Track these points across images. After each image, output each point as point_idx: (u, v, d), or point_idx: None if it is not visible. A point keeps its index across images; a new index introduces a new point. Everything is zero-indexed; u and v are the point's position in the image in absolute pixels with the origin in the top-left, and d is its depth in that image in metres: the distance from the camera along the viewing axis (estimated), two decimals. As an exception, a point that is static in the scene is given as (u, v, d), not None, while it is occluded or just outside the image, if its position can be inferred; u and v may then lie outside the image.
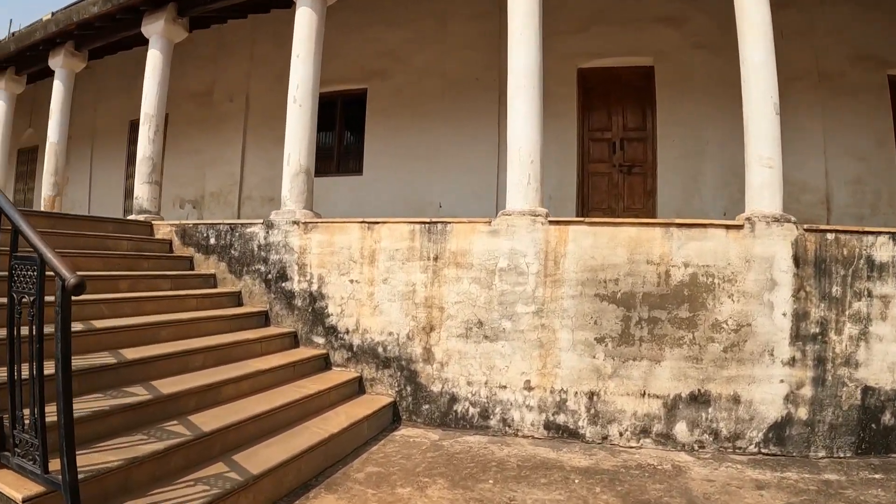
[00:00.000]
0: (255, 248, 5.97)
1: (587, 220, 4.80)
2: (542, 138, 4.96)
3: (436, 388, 4.99)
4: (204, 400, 3.71)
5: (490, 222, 4.91)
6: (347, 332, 5.42)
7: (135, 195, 6.96)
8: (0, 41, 8.89)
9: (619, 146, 7.97)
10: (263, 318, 5.73)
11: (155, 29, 7.11)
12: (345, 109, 9.25)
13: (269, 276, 5.86)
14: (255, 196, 9.62)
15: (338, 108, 9.24)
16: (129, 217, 6.80)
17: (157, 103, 6.99)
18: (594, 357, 4.57)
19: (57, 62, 8.16)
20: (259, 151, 9.57)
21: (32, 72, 9.03)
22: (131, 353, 3.73)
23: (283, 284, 5.77)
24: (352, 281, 5.45)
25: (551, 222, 4.75)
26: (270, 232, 5.88)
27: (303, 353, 5.25)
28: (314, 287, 5.62)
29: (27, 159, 12.51)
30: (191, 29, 7.53)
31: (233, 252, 6.11)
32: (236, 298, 5.90)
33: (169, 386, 3.59)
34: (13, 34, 8.69)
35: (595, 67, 7.91)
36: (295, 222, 5.75)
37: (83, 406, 2.94)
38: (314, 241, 5.64)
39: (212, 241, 6.25)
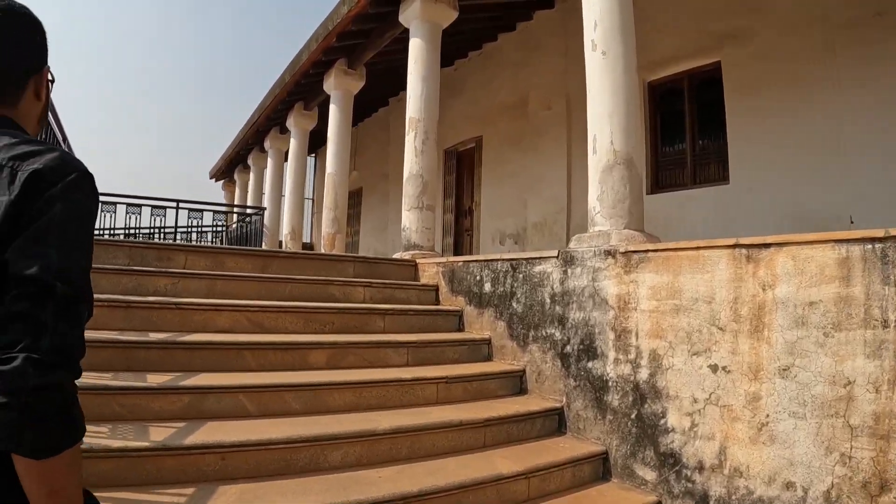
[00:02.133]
0: (546, 300, 3.61)
1: None
2: None
3: None
4: None
5: None
6: (701, 467, 2.62)
7: (402, 226, 5.39)
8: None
9: None
10: (556, 421, 3.30)
11: (413, 13, 5.59)
12: (694, 96, 6.39)
13: (568, 347, 3.41)
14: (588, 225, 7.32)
15: (684, 97, 6.45)
16: (395, 256, 5.24)
17: (424, 105, 5.35)
18: None
19: (330, 85, 7.48)
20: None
21: (320, 102, 8.67)
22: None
23: (589, 364, 3.24)
24: (713, 367, 2.61)
25: None
26: (569, 271, 3.45)
27: (611, 499, 2.60)
28: (642, 373, 2.94)
29: (353, 202, 12.94)
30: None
31: (514, 305, 3.88)
32: (516, 382, 3.62)
33: None
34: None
35: None
36: (608, 252, 3.19)
37: None
38: (643, 285, 2.98)
39: (486, 286, 4.14)
